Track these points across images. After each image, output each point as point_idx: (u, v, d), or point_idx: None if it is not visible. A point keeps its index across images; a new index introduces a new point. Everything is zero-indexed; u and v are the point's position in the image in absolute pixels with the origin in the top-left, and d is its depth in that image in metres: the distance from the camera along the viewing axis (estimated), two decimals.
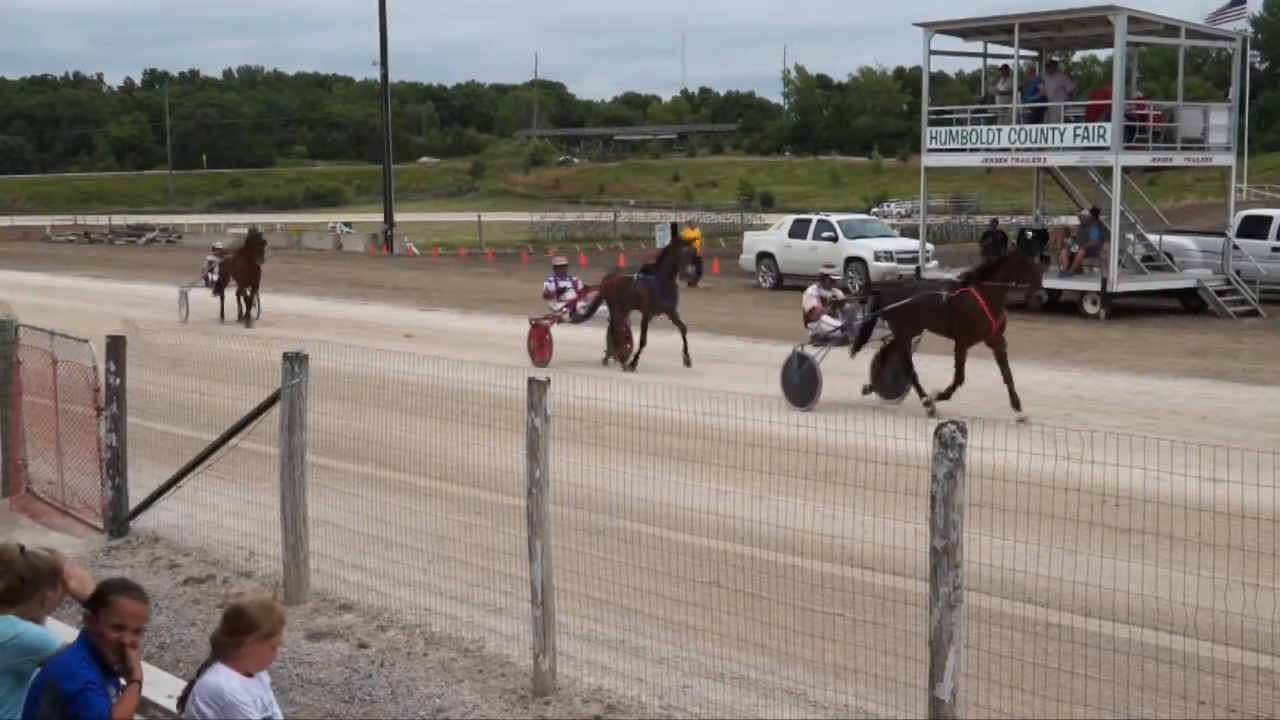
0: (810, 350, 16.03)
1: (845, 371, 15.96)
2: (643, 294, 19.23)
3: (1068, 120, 27.39)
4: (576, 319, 20.40)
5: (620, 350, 19.76)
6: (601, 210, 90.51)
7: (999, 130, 28.26)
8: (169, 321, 24.97)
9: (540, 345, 19.77)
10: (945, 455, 5.22)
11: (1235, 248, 27.79)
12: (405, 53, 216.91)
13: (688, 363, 18.67)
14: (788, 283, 33.60)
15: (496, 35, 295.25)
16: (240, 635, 4.53)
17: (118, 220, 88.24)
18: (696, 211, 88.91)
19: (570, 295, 20.42)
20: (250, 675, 4.57)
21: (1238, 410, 15.35)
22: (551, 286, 20.60)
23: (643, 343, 19.40)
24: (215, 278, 27.73)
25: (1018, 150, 28.14)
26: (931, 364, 15.63)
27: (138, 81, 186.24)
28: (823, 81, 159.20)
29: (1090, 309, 26.29)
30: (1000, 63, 30.38)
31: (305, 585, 8.58)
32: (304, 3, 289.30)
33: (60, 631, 4.91)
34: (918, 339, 15.70)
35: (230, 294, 27.08)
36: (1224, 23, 34.38)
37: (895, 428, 6.42)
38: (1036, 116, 27.84)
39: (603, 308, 20.00)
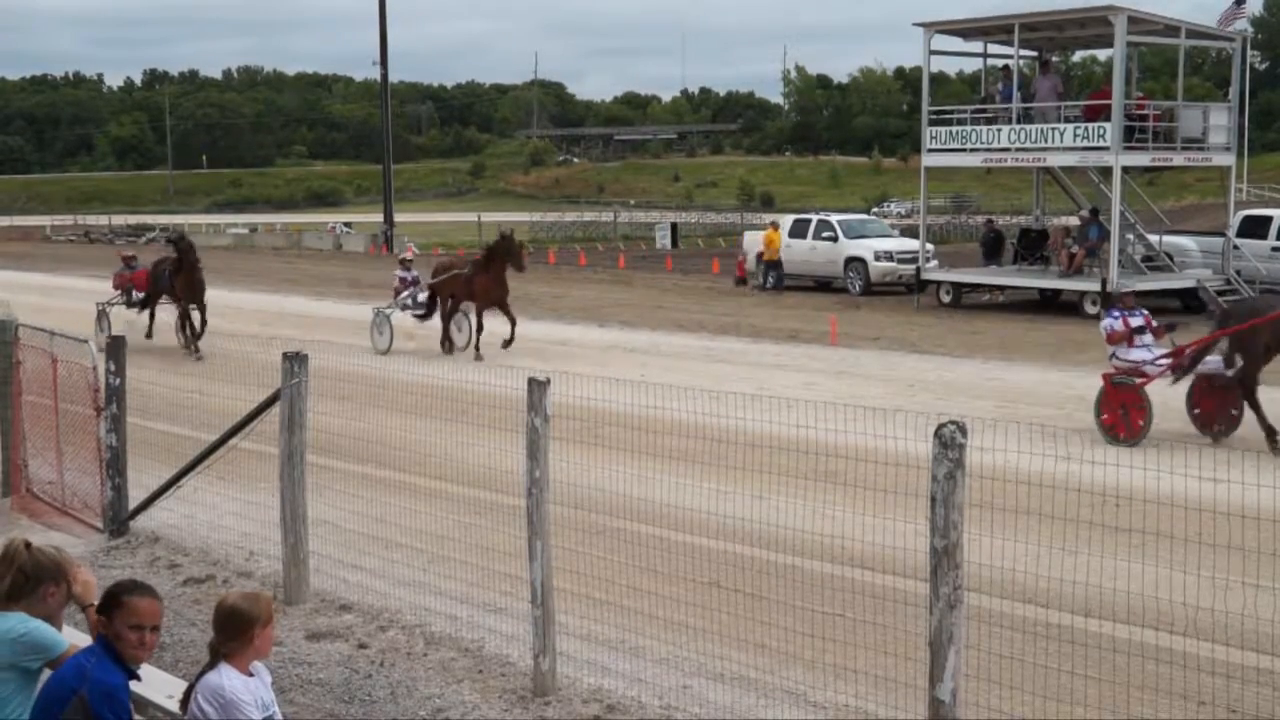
0: None
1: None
2: None
3: (1067, 120, 27.40)
4: (1182, 374, 13.57)
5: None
6: (601, 210, 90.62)
7: (999, 130, 28.25)
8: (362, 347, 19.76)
9: (1131, 410, 13.25)
10: (945, 455, 5.22)
11: (1235, 248, 27.79)
12: (405, 53, 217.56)
13: None
14: (788, 282, 33.65)
15: (496, 35, 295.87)
16: (238, 636, 4.53)
17: (117, 220, 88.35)
18: (697, 211, 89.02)
19: (1149, 340, 13.86)
20: (251, 675, 4.58)
21: None
22: (1118, 324, 13.94)
23: None
24: (423, 298, 21.87)
25: (1018, 150, 28.13)
26: None
27: (138, 81, 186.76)
28: (823, 81, 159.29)
29: (1090, 309, 26.25)
30: (1001, 63, 30.39)
31: (305, 585, 8.58)
32: (304, 3, 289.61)
33: (69, 636, 4.89)
34: None
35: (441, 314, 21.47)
36: (1230, 24, 34.42)
37: (895, 428, 6.41)
38: (1025, 117, 27.86)
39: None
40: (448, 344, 21.24)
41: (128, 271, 23.76)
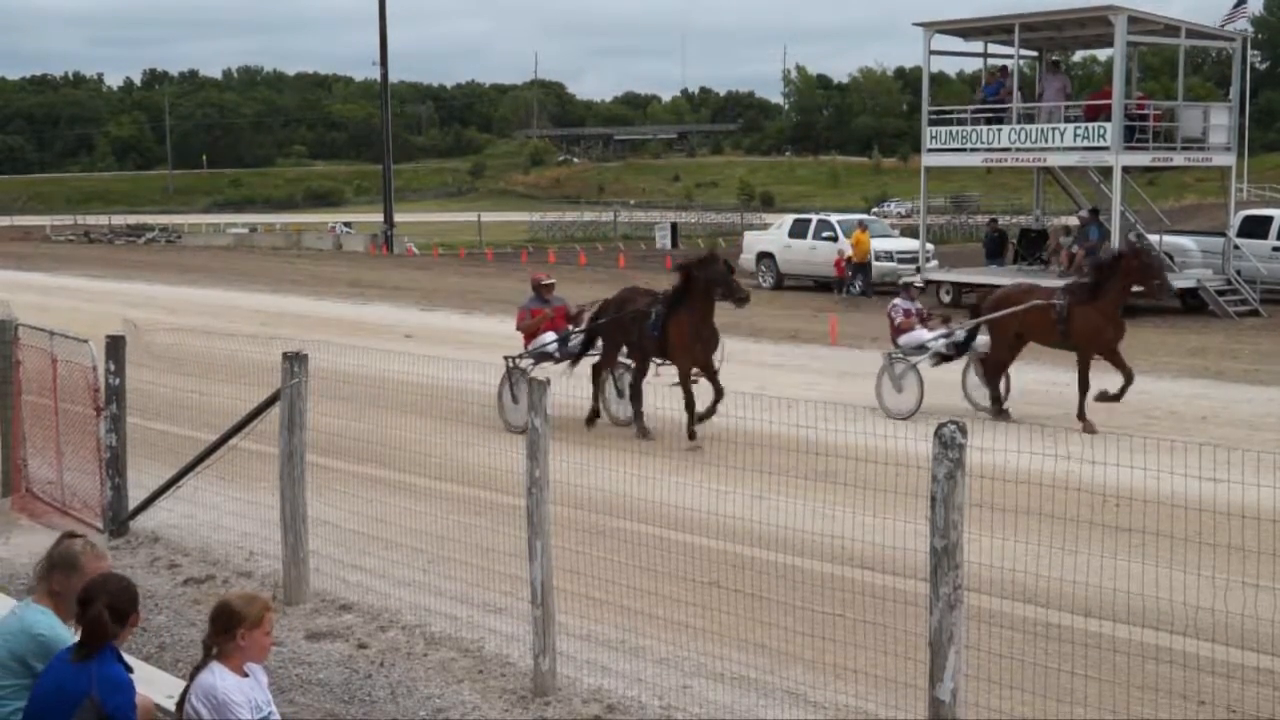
0: None
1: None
2: None
3: (1068, 120, 27.41)
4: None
5: None
6: (601, 210, 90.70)
7: (999, 130, 28.26)
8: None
9: None
10: (945, 455, 5.22)
11: (1235, 248, 27.79)
12: (405, 53, 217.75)
13: None
14: (788, 283, 33.61)
15: (496, 35, 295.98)
16: (229, 631, 4.55)
17: (117, 220, 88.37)
18: (697, 211, 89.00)
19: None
20: (245, 675, 4.59)
21: (1238, 410, 15.34)
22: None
23: None
24: (960, 334, 15.28)
25: (1018, 150, 28.14)
26: None
27: (138, 81, 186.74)
28: (823, 81, 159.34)
29: None
30: (1000, 63, 30.41)
31: (305, 585, 8.58)
32: (304, 3, 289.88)
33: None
34: None
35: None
36: (1231, 24, 34.41)
37: (895, 428, 6.41)
38: (1026, 117, 27.87)
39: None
40: (998, 405, 14.80)
41: (544, 306, 14.98)
